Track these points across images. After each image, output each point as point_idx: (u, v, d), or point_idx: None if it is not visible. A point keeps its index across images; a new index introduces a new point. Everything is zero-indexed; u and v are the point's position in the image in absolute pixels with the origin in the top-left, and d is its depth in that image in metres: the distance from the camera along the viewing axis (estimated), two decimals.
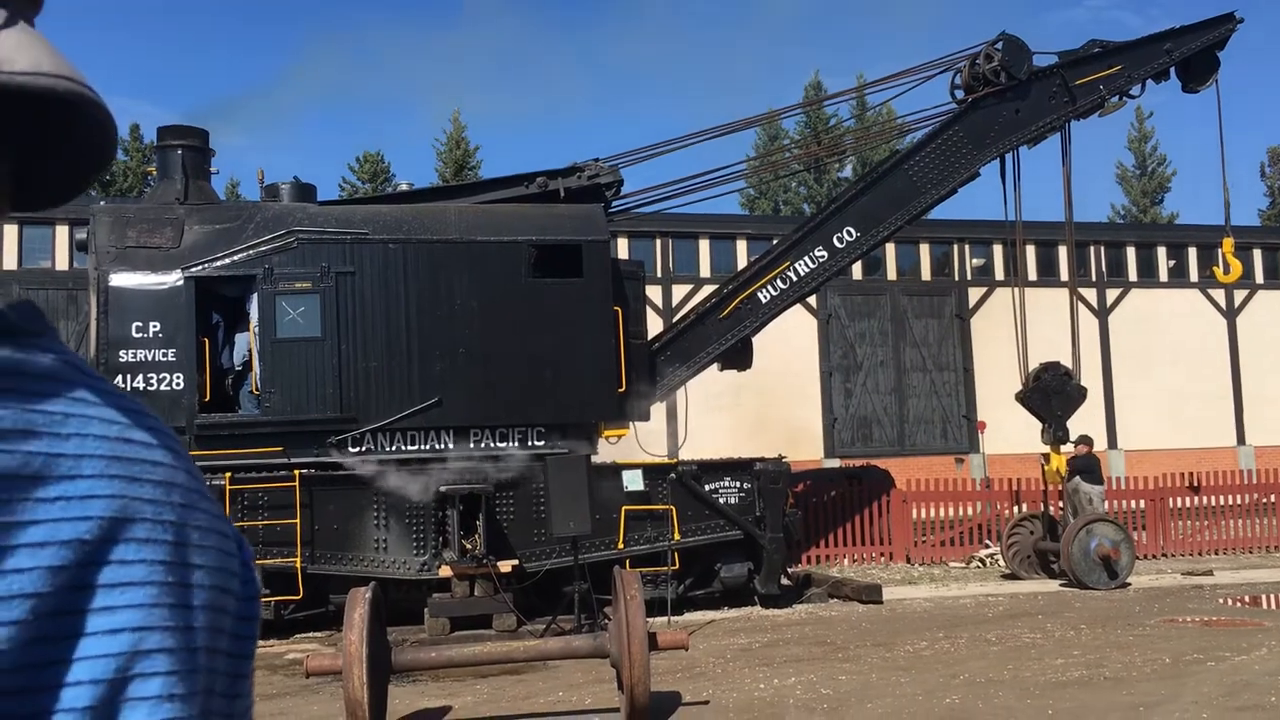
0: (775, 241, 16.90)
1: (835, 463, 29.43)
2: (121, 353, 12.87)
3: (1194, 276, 34.87)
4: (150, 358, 12.93)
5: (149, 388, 12.84)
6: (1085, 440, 16.68)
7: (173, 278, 13.11)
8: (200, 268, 13.20)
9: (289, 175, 14.60)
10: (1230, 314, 35.09)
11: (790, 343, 29.80)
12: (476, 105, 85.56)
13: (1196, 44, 16.78)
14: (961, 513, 19.57)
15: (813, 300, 26.59)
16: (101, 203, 18.07)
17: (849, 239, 15.84)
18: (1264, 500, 20.13)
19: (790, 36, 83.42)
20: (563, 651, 7.73)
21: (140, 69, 78.11)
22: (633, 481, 13.64)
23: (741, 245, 31.50)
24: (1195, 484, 19.73)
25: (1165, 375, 33.52)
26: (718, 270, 30.45)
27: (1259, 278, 35.29)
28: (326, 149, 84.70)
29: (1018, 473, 21.48)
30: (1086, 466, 16.57)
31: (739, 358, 16.01)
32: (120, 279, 13.06)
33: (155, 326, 12.96)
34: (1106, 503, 17.28)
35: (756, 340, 16.08)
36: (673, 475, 13.89)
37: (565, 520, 12.04)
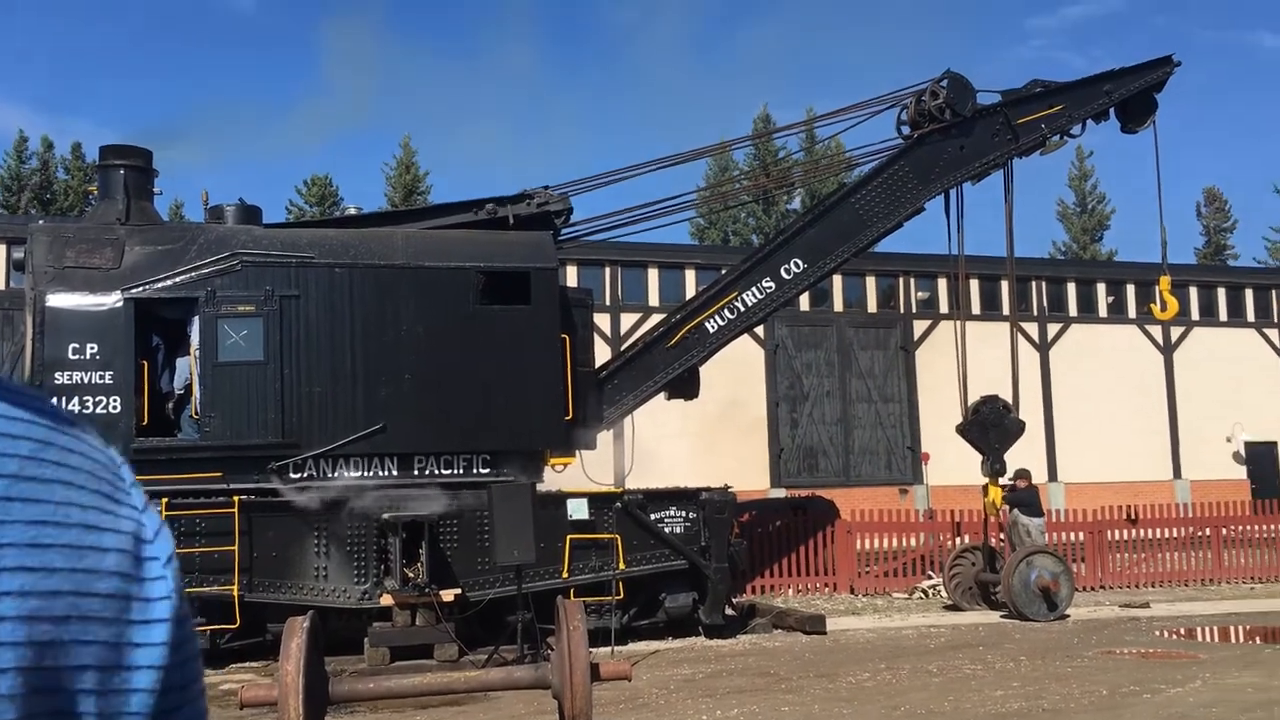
0: (724, 271, 17.01)
1: (781, 492, 29.53)
2: (58, 374, 12.60)
3: (1132, 312, 35.59)
4: (87, 380, 12.67)
5: (84, 410, 12.58)
6: (1023, 474, 16.80)
7: (112, 299, 12.88)
8: (141, 289, 12.98)
9: (234, 197, 14.41)
10: (1167, 350, 35.83)
11: (737, 372, 29.94)
12: (426, 131, 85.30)
13: (1135, 86, 17.20)
14: (905, 544, 19.70)
15: (760, 330, 26.76)
16: (40, 221, 17.77)
17: (796, 270, 15.97)
18: (1199, 534, 20.49)
19: (741, 70, 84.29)
20: (504, 682, 7.64)
21: (83, 87, 77.05)
22: (578, 510, 13.58)
23: (690, 275, 31.64)
24: (1133, 517, 20.05)
25: (1104, 409, 34.10)
26: (666, 299, 30.55)
27: (1194, 314, 36.10)
28: (274, 172, 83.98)
29: (960, 504, 21.69)
30: (1024, 500, 16.73)
31: (686, 387, 16.05)
32: (58, 299, 12.80)
33: (93, 348, 12.71)
34: (1046, 535, 17.50)
35: (704, 370, 16.13)
36: (618, 504, 13.84)
37: (509, 549, 11.95)
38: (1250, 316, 36.93)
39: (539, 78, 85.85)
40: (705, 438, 29.40)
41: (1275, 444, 36.09)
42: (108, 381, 12.69)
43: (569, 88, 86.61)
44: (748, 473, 29.70)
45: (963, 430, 16.55)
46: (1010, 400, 16.72)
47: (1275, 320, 37.05)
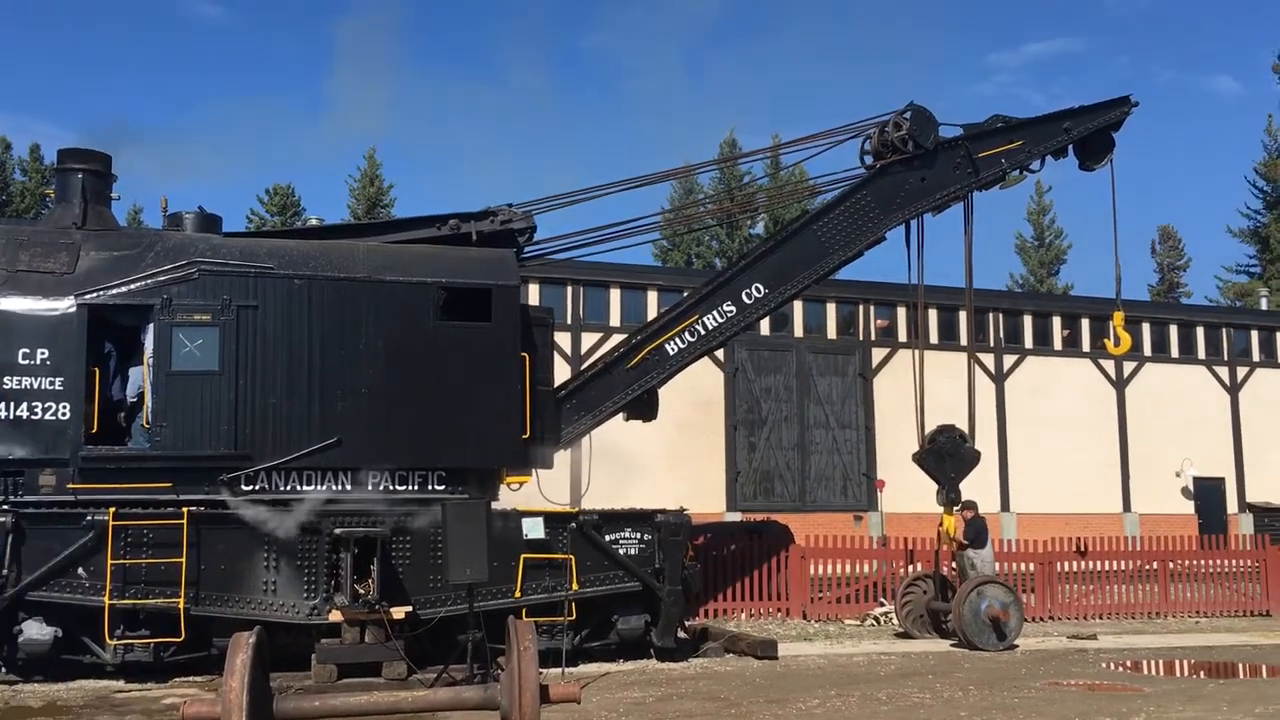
0: (686, 294, 17.05)
1: (737, 516, 29.58)
2: (7, 379, 12.40)
3: (1086, 346, 36.08)
4: (37, 385, 12.47)
5: (33, 416, 12.38)
6: (969, 505, 16.73)
7: (65, 304, 12.69)
8: (95, 295, 12.80)
9: (194, 204, 14.27)
10: (1119, 384, 36.33)
11: (697, 395, 30.00)
12: (390, 144, 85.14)
13: (1094, 124, 17.48)
14: (858, 570, 19.79)
15: (720, 354, 26.85)
16: None
17: (757, 295, 16.06)
18: (1147, 567, 20.76)
19: (709, 96, 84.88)
20: (452, 702, 7.57)
21: (44, 87, 76.16)
22: (533, 529, 13.51)
23: (652, 296, 31.71)
24: (1082, 549, 20.27)
25: (1057, 441, 34.50)
26: (628, 320, 30.59)
27: (1147, 350, 36.66)
28: (235, 179, 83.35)
29: (914, 532, 21.84)
30: (972, 531, 16.66)
31: (645, 408, 16.05)
32: (9, 303, 12.61)
33: (44, 353, 12.52)
34: (997, 565, 17.60)
35: (662, 391, 16.15)
36: (573, 524, 13.79)
37: (462, 567, 11.86)
38: (1201, 354, 37.54)
39: (504, 99, 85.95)
40: (662, 460, 29.39)
41: (1223, 480, 36.67)
42: (58, 388, 12.50)
43: (534, 109, 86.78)
44: (704, 495, 29.73)
45: (919, 459, 16.66)
46: (966, 430, 16.86)
47: (1225, 358, 37.70)
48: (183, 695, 11.23)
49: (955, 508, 16.51)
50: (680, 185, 50.29)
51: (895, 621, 17.50)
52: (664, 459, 28.99)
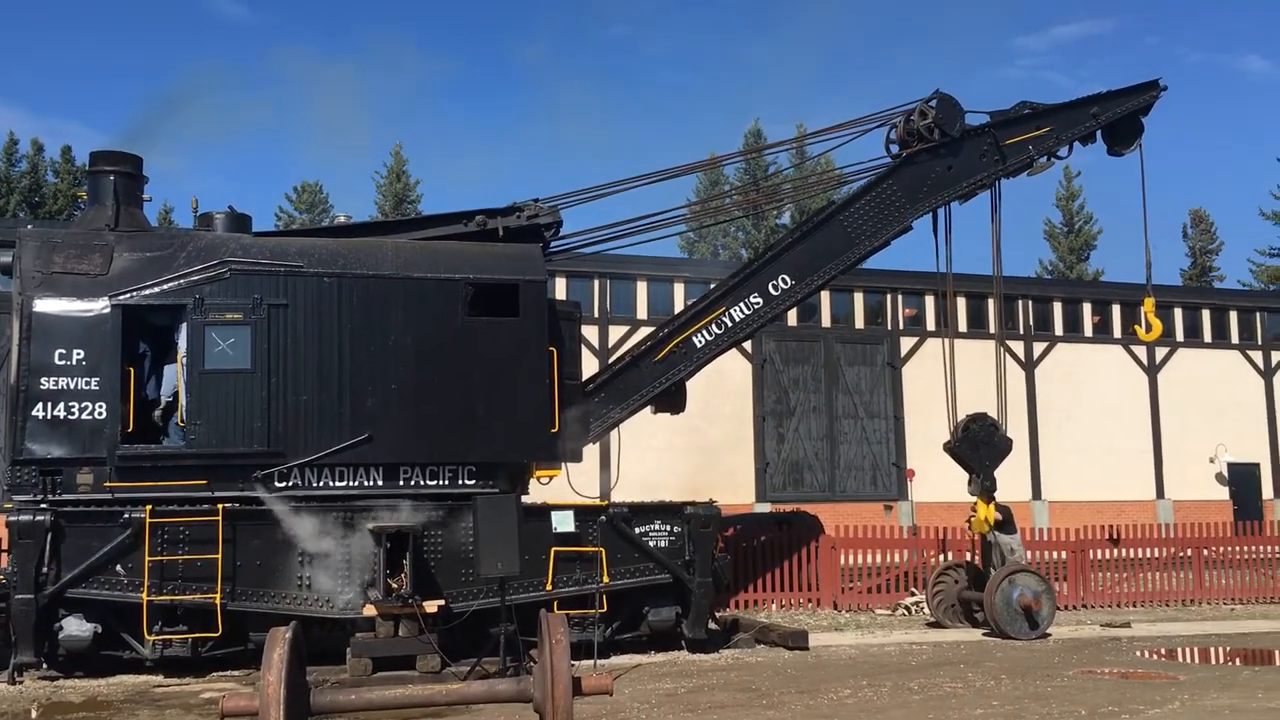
0: (712, 286, 17.05)
1: (766, 507, 29.59)
2: (43, 380, 12.58)
3: (1117, 332, 35.79)
4: (73, 386, 12.65)
5: (70, 416, 12.56)
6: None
7: (99, 305, 12.86)
8: (128, 295, 12.96)
9: (224, 203, 14.41)
10: (1151, 370, 36.03)
11: (725, 387, 30.00)
12: (418, 139, 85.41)
13: (1122, 109, 17.33)
14: (888, 560, 19.75)
15: (748, 345, 26.84)
16: (29, 226, 17.73)
17: (784, 286, 16.04)
18: (1181, 554, 20.59)
19: (733, 85, 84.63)
20: (485, 695, 7.64)
21: (75, 90, 76.93)
22: (563, 523, 13.58)
23: (679, 288, 31.74)
24: (1115, 536, 20.14)
25: (1088, 428, 34.27)
26: (655, 312, 30.63)
27: (1179, 336, 36.33)
28: (264, 177, 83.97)
29: (945, 521, 21.76)
30: (1002, 519, 16.63)
31: (673, 401, 16.08)
32: (45, 304, 12.78)
33: (79, 354, 12.69)
34: (1028, 553, 17.50)
35: (691, 384, 16.17)
36: (603, 517, 13.85)
37: (494, 561, 11.95)
38: (1234, 339, 37.16)
39: (531, 91, 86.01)
40: (690, 451, 29.42)
41: (1258, 465, 36.32)
42: (94, 388, 12.67)
43: (561, 101, 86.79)
44: (733, 487, 29.75)
45: (952, 448, 16.58)
46: (997, 418, 16.77)
47: (1259, 342, 37.31)
48: (221, 689, 11.39)
49: (990, 496, 16.38)
50: (706, 177, 50.22)
51: (926, 611, 17.46)
52: (691, 451, 29.02)
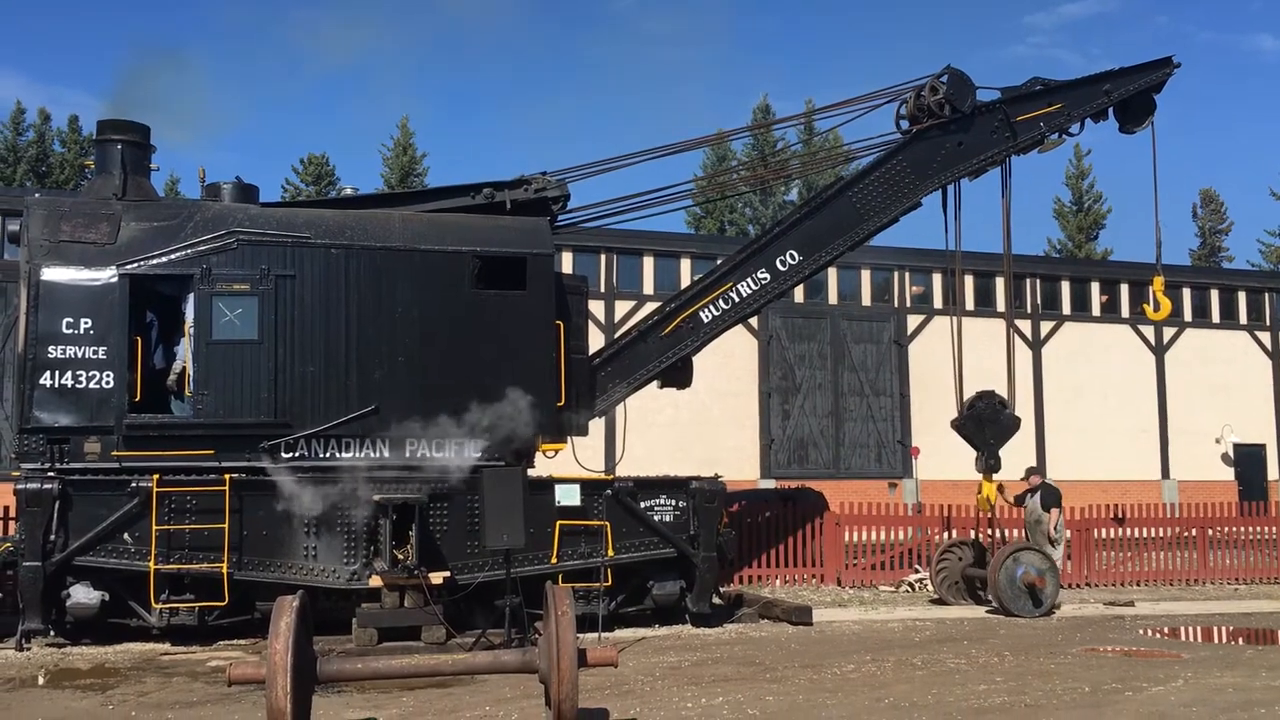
0: (719, 261, 17.00)
1: (771, 483, 29.63)
2: (51, 348, 12.60)
3: (1125, 312, 35.69)
4: (80, 355, 12.66)
5: (78, 385, 12.58)
6: (1035, 470, 16.93)
7: (107, 274, 12.86)
8: (136, 265, 12.96)
9: (231, 175, 14.37)
10: (1159, 350, 35.94)
11: (731, 363, 30.00)
12: (423, 109, 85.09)
13: (1134, 86, 17.21)
14: (893, 537, 19.79)
15: (754, 321, 26.80)
16: (36, 194, 17.71)
17: (792, 262, 15.98)
18: (1185, 534, 20.60)
19: (741, 59, 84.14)
20: (491, 666, 7.68)
21: (81, 58, 76.72)
22: (568, 496, 13.60)
23: (686, 264, 31.68)
24: (1120, 516, 20.14)
25: (1095, 407, 34.24)
26: (661, 287, 30.59)
27: (1187, 316, 36.22)
28: (271, 150, 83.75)
29: (949, 499, 21.77)
30: (1054, 497, 17.20)
31: (679, 376, 16.07)
32: (52, 273, 12.79)
33: (87, 323, 12.70)
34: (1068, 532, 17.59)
35: (697, 359, 16.16)
36: (608, 491, 13.87)
37: (499, 533, 11.99)
38: (1243, 319, 37.05)
39: (537, 63, 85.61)
40: (696, 427, 29.46)
41: (1264, 446, 36.28)
42: (101, 357, 12.69)
43: (568, 74, 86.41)
44: (738, 462, 29.80)
45: (958, 425, 16.57)
46: (1005, 397, 16.74)
47: (1268, 323, 37.19)
48: (227, 658, 11.46)
49: (995, 473, 16.41)
50: (713, 152, 50.03)
51: (930, 588, 17.50)
52: (696, 426, 29.05)
